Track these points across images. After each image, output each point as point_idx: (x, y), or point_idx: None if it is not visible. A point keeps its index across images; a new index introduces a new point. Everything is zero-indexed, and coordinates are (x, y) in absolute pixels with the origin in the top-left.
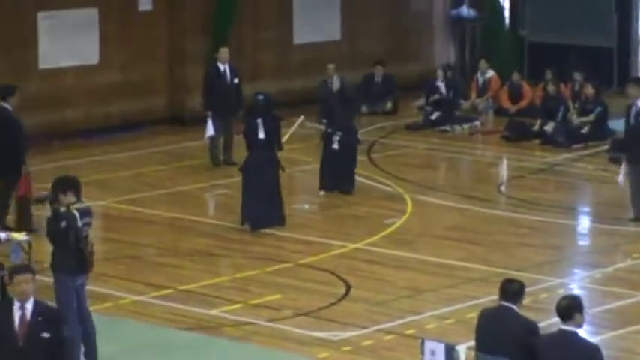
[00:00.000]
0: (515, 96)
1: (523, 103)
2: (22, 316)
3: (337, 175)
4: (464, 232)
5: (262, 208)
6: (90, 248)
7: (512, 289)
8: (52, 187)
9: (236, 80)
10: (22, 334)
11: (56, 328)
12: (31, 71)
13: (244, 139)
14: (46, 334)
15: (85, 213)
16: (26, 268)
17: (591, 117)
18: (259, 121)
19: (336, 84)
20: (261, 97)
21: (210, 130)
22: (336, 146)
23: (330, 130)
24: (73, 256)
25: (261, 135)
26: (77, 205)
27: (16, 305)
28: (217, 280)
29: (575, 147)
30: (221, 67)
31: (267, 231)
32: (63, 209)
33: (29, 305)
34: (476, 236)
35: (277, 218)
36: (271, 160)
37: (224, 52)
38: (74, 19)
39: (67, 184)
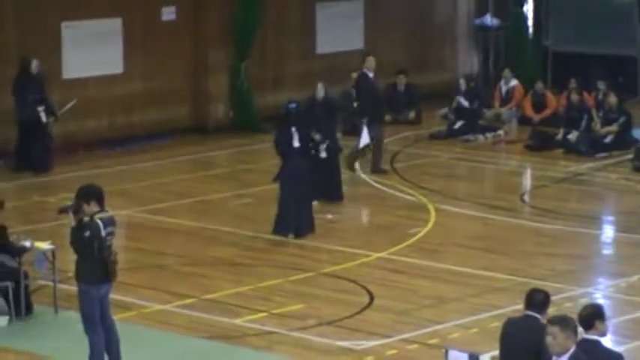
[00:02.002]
0: (539, 105)
1: (547, 113)
2: None
3: (325, 184)
4: (487, 242)
5: (304, 216)
6: (113, 257)
7: (538, 299)
8: (76, 196)
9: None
10: None
11: None
12: (55, 81)
13: (276, 149)
14: None
15: (109, 222)
16: None
17: (615, 127)
18: (294, 129)
19: (320, 93)
20: (293, 105)
21: (365, 138)
22: (324, 154)
23: (318, 140)
24: (96, 265)
25: (296, 144)
26: (101, 215)
27: None
28: (241, 290)
29: (599, 156)
30: (370, 74)
31: (290, 240)
32: (86, 219)
33: None
34: (499, 245)
35: (311, 226)
36: (307, 169)
37: (371, 60)
38: (98, 29)
39: (91, 194)
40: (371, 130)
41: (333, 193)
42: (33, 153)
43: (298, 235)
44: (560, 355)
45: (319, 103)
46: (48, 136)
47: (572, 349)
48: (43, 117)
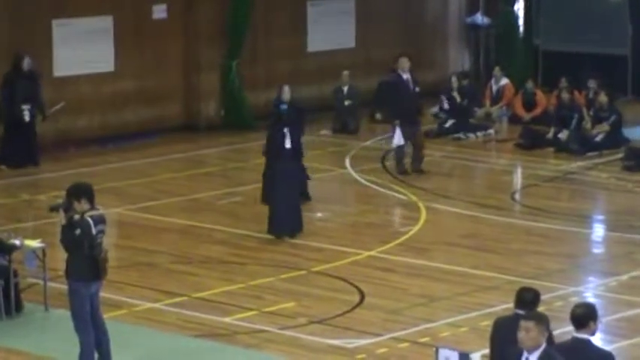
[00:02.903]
0: (530, 104)
1: (537, 111)
2: None
3: None
4: (478, 240)
5: (296, 217)
6: (104, 255)
7: (527, 298)
8: (66, 194)
9: (417, 89)
10: None
11: None
12: (46, 79)
13: (267, 149)
14: None
15: (99, 220)
16: None
17: (606, 126)
18: (286, 130)
19: (286, 96)
20: (284, 106)
21: (399, 139)
22: None
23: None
24: (87, 263)
25: (288, 145)
26: (91, 213)
27: None
28: (231, 288)
29: (590, 155)
30: (404, 75)
31: (281, 238)
32: (77, 217)
33: None
34: (490, 244)
35: (301, 226)
36: (299, 170)
37: (404, 61)
38: (89, 27)
39: (81, 192)
40: (406, 132)
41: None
42: (16, 150)
43: (293, 236)
44: (531, 350)
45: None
46: (32, 134)
47: (544, 346)
48: (26, 116)
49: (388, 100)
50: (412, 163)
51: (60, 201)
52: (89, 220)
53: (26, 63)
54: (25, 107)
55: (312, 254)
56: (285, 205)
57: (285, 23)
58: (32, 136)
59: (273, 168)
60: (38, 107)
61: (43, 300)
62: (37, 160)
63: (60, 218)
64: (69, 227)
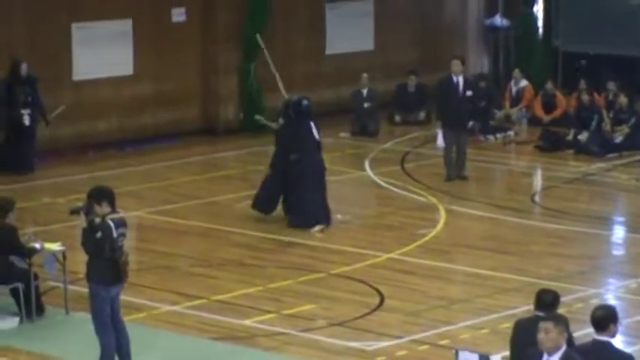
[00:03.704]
0: (549, 106)
1: (557, 113)
2: None
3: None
4: (497, 242)
5: (326, 207)
6: (124, 258)
7: (547, 300)
8: (87, 197)
9: (469, 93)
10: None
11: None
12: (65, 82)
13: (296, 143)
14: None
15: (120, 223)
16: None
17: (626, 128)
18: (312, 123)
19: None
20: (306, 101)
21: (440, 142)
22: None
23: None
24: (108, 266)
25: (317, 137)
26: (112, 216)
27: None
28: (251, 291)
29: (609, 156)
30: (454, 78)
31: (300, 241)
32: (98, 220)
33: None
34: (509, 246)
35: (329, 218)
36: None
37: (456, 64)
38: (108, 31)
39: (102, 195)
40: (449, 136)
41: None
42: (16, 155)
43: (329, 223)
44: (551, 351)
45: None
46: (32, 139)
47: (564, 348)
48: (26, 120)
49: (437, 101)
50: (456, 168)
51: (80, 204)
52: (110, 223)
53: (24, 68)
54: (25, 112)
55: (331, 256)
56: (318, 195)
57: (304, 26)
58: (32, 143)
59: (303, 162)
60: (40, 112)
61: (64, 303)
62: (32, 168)
63: (81, 221)
64: (90, 230)
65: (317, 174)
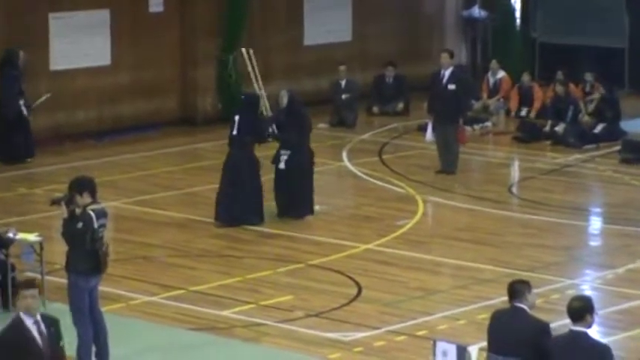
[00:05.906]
0: (526, 99)
1: (536, 106)
2: (41, 333)
3: (287, 198)
4: (475, 233)
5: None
6: (105, 249)
7: (518, 289)
8: (69, 188)
9: (451, 87)
10: (46, 350)
11: (58, 331)
12: (43, 72)
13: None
14: (61, 343)
15: (101, 214)
16: (32, 283)
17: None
18: (236, 117)
19: (283, 99)
20: (243, 96)
21: (428, 135)
22: (282, 165)
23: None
24: (88, 257)
25: (234, 131)
26: (93, 207)
27: (29, 322)
28: (228, 281)
29: (587, 148)
30: (441, 71)
31: (279, 232)
32: (79, 210)
33: (39, 319)
34: (487, 237)
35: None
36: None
37: (444, 57)
38: (85, 20)
39: (84, 185)
40: (437, 130)
41: (292, 211)
42: (15, 145)
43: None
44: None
45: (282, 109)
46: (28, 128)
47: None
48: (25, 110)
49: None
50: (441, 163)
51: (61, 194)
52: (91, 213)
53: (22, 58)
54: (22, 102)
55: (309, 247)
56: (233, 192)
57: (282, 17)
58: (29, 130)
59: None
60: (25, 101)
61: (41, 294)
62: (32, 154)
63: (62, 212)
64: (70, 221)
65: (227, 170)
